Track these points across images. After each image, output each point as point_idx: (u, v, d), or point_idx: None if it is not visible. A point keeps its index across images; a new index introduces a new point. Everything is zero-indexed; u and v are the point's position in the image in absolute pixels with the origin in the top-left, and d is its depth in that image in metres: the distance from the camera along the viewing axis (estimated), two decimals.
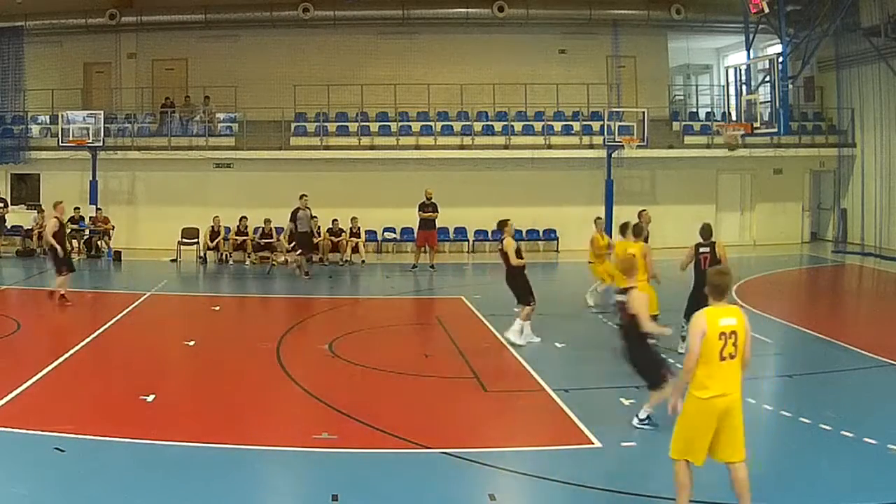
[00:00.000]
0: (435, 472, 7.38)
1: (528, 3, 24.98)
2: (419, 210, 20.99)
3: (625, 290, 8.28)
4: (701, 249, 11.56)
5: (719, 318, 5.94)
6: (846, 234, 25.29)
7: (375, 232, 24.21)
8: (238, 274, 20.72)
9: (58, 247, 14.95)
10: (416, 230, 21.74)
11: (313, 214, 19.92)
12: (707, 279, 6.36)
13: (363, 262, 21.92)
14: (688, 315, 11.36)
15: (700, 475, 6.12)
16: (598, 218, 16.31)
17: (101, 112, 23.16)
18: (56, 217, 15.26)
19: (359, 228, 22.39)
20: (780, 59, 19.13)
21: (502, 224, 12.40)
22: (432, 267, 20.71)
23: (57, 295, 15.01)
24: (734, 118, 20.84)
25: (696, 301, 10.76)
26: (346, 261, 21.86)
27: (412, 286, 18.95)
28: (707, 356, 5.88)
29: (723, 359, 5.87)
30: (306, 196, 19.48)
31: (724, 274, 6.31)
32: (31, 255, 22.51)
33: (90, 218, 22.87)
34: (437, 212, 21.04)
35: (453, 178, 23.57)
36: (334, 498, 6.60)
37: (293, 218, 19.34)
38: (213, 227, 21.75)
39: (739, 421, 5.95)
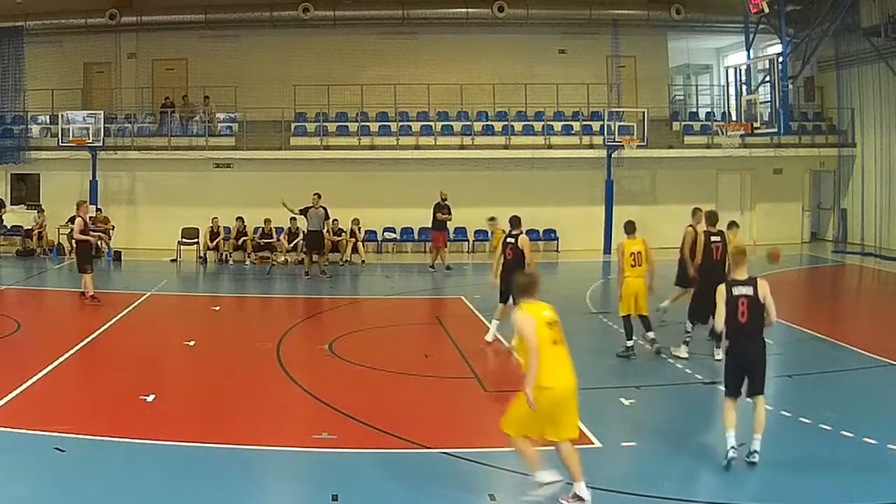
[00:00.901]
0: (435, 472, 7.38)
1: (528, 3, 24.98)
2: (435, 211, 21.09)
3: (747, 282, 7.47)
4: (712, 238, 11.35)
5: (540, 310, 6.46)
6: (846, 234, 25.29)
7: (375, 232, 24.21)
8: (238, 274, 20.70)
9: (92, 239, 16.03)
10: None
11: (328, 215, 19.81)
12: (514, 281, 6.79)
13: (363, 262, 21.92)
14: (693, 316, 11.32)
15: (701, 476, 6.12)
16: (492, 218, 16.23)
17: (101, 112, 23.16)
18: (81, 217, 15.75)
19: (360, 228, 22.41)
20: (780, 59, 19.13)
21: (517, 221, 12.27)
22: (432, 267, 20.73)
23: (88, 296, 15.27)
24: (734, 118, 20.83)
25: (704, 298, 10.26)
26: (346, 261, 21.86)
27: (412, 286, 18.96)
28: (541, 345, 6.29)
29: (554, 344, 6.37)
30: (319, 195, 19.38)
31: (528, 275, 6.76)
32: (31, 255, 22.51)
33: (90, 218, 22.82)
34: (451, 213, 21.15)
35: (453, 178, 23.57)
36: (334, 498, 6.60)
37: (304, 213, 19.30)
38: (212, 227, 21.77)
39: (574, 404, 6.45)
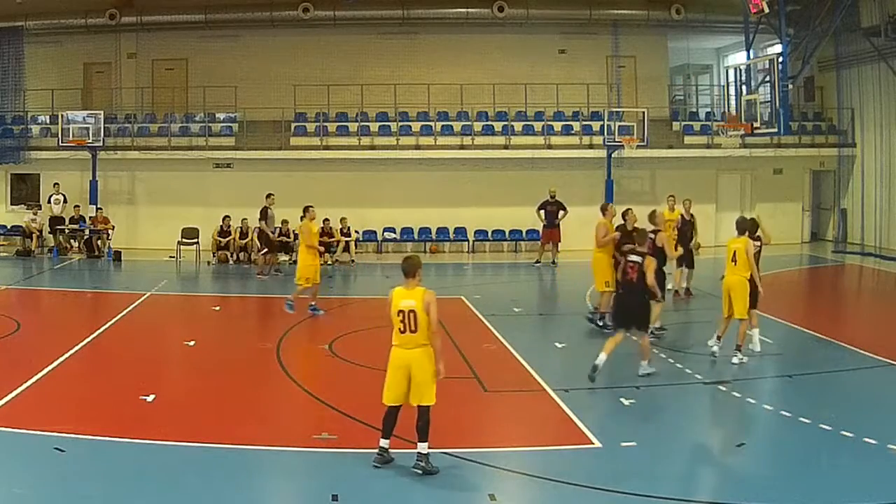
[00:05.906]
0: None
1: (528, 3, 24.97)
2: (540, 209, 21.62)
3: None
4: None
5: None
6: (846, 234, 25.29)
7: (375, 232, 24.20)
8: (238, 274, 20.68)
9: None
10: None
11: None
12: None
13: (353, 261, 21.90)
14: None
15: (701, 475, 6.10)
16: None
17: (101, 112, 23.18)
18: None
19: (349, 228, 22.38)
20: (780, 59, 19.13)
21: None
22: (554, 263, 21.34)
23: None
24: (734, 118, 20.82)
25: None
26: (336, 260, 21.81)
27: None
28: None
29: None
30: (273, 195, 19.82)
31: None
32: (29, 255, 22.46)
33: (90, 218, 22.87)
34: (566, 210, 21.48)
35: (453, 178, 23.57)
36: (334, 498, 6.60)
37: (263, 217, 19.44)
38: (222, 226, 21.80)
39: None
